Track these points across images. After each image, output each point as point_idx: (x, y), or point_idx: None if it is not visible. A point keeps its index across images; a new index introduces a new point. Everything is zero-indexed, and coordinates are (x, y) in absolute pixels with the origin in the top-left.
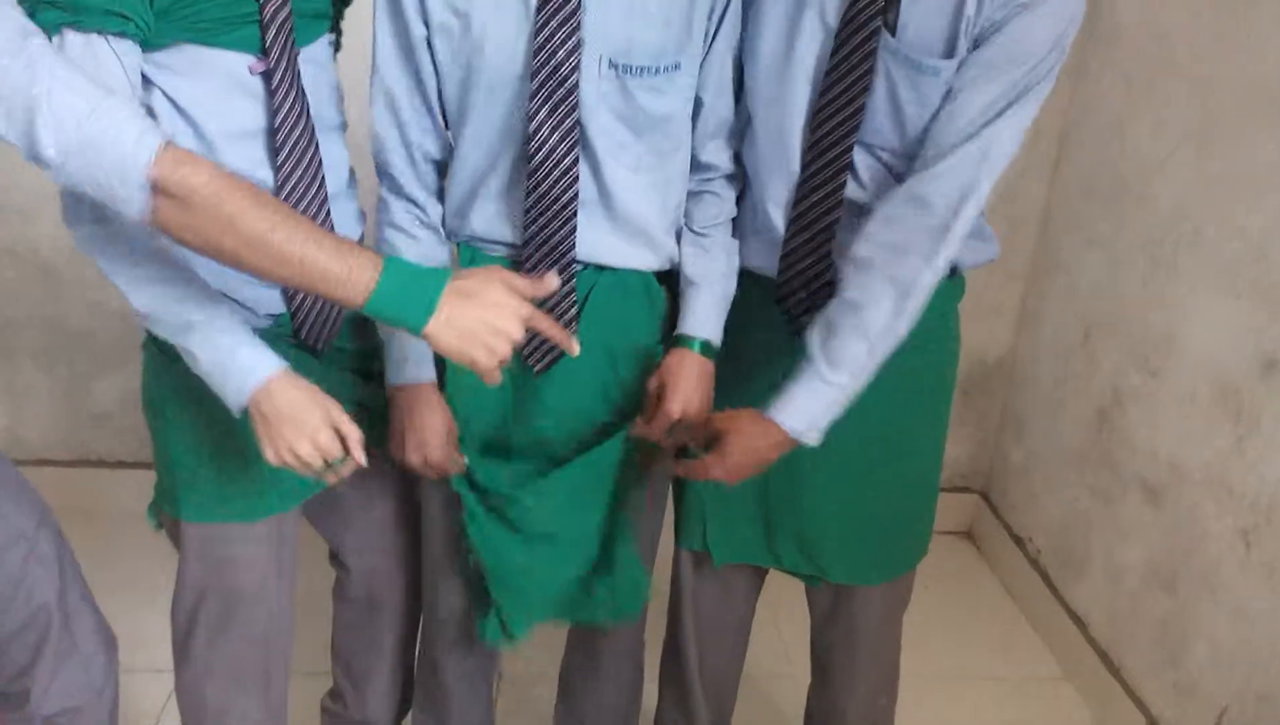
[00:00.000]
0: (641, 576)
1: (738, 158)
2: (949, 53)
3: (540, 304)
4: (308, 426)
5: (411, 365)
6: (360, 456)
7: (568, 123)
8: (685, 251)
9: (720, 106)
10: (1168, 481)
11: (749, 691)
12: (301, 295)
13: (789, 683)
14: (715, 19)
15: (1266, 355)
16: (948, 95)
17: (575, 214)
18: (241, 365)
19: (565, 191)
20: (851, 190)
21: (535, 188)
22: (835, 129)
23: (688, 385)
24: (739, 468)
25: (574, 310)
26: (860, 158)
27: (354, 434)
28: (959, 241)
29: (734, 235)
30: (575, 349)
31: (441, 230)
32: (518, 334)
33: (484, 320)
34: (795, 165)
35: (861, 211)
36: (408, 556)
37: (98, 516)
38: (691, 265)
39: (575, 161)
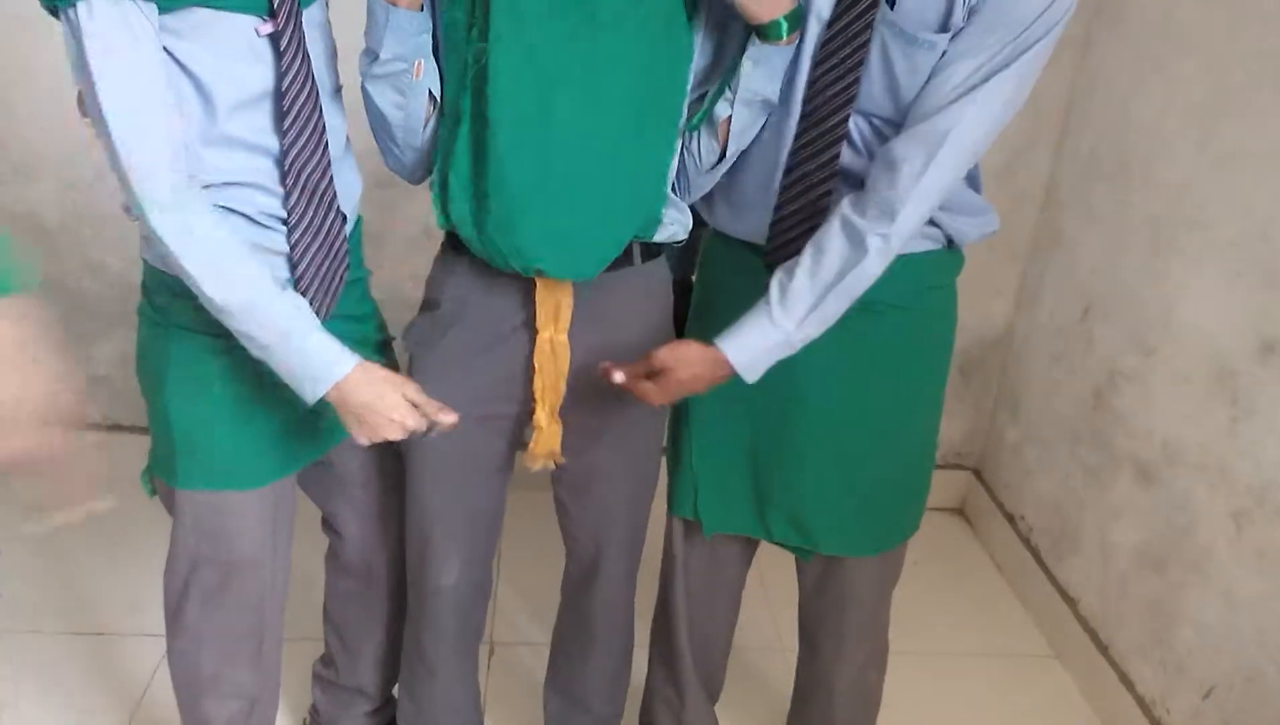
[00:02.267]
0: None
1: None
2: (943, 27)
3: None
4: (395, 412)
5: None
6: (448, 418)
7: None
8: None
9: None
10: (1161, 462)
11: (738, 665)
12: (306, 263)
13: (778, 656)
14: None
15: (1265, 338)
16: (939, 63)
17: None
18: (317, 360)
19: None
20: (847, 157)
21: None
22: (832, 99)
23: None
24: (679, 391)
25: None
26: (856, 125)
27: (432, 406)
28: (924, 205)
29: (721, 204)
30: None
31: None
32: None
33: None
34: (789, 134)
35: (856, 177)
36: (400, 525)
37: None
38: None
39: None
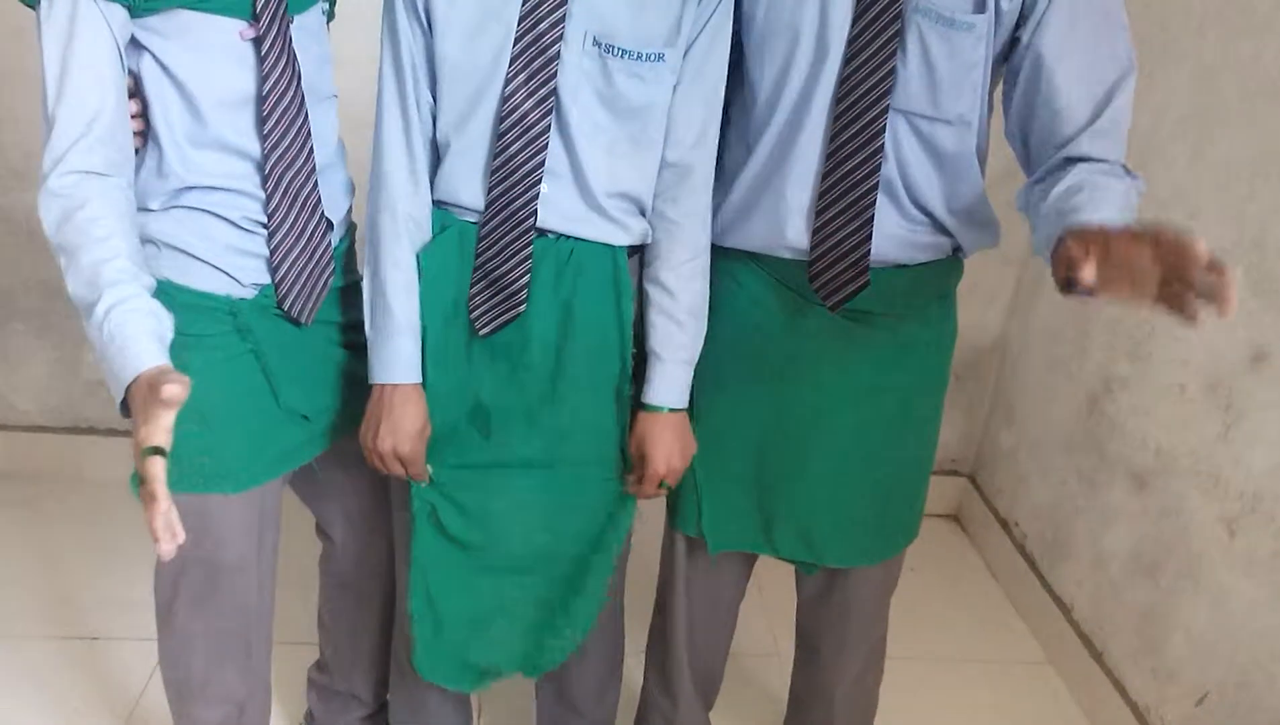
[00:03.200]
0: (598, 602)
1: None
2: (980, 6)
3: (492, 271)
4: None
5: (404, 368)
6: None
7: (543, 91)
8: (652, 316)
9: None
10: (1155, 469)
11: (734, 670)
12: (286, 267)
13: (774, 661)
14: (702, 23)
15: (1257, 346)
16: (1039, 73)
17: (539, 181)
18: (135, 350)
19: (531, 158)
20: (882, 169)
21: (503, 151)
22: (867, 94)
23: (666, 446)
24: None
25: (526, 278)
26: (893, 128)
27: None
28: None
29: (738, 217)
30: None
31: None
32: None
33: None
34: (820, 139)
35: (891, 186)
36: (392, 531)
37: (89, 484)
38: (657, 336)
39: (546, 130)
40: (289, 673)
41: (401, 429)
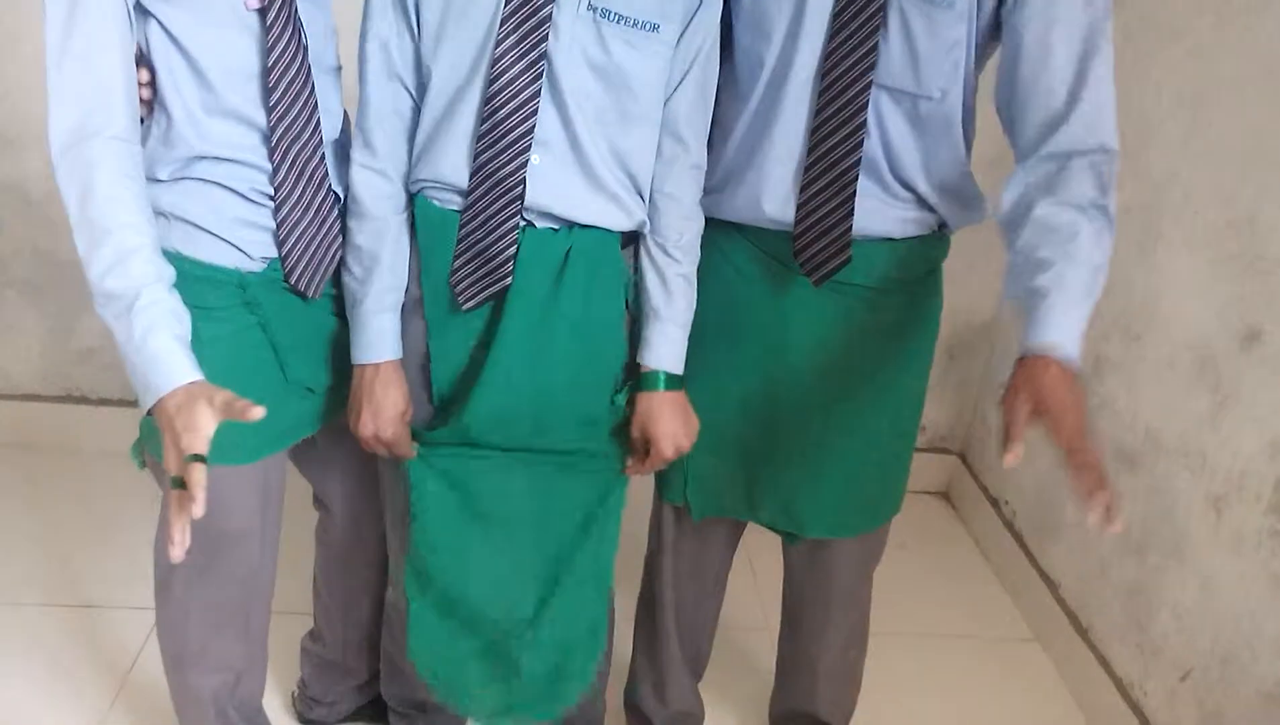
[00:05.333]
0: (601, 634)
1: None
2: None
3: (476, 243)
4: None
5: (378, 347)
6: (256, 413)
7: (533, 54)
8: (648, 279)
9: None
10: (1143, 448)
11: (724, 645)
12: (293, 241)
13: (764, 636)
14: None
15: (1248, 326)
16: (1018, 52)
17: (528, 148)
18: (170, 362)
19: (520, 124)
20: (866, 141)
21: (490, 117)
22: (850, 69)
23: (671, 427)
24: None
25: (513, 250)
26: (875, 104)
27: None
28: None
29: (729, 191)
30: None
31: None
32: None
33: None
34: (806, 113)
35: (874, 161)
36: None
37: (82, 453)
38: (658, 297)
39: (536, 95)
40: (282, 642)
41: (382, 414)
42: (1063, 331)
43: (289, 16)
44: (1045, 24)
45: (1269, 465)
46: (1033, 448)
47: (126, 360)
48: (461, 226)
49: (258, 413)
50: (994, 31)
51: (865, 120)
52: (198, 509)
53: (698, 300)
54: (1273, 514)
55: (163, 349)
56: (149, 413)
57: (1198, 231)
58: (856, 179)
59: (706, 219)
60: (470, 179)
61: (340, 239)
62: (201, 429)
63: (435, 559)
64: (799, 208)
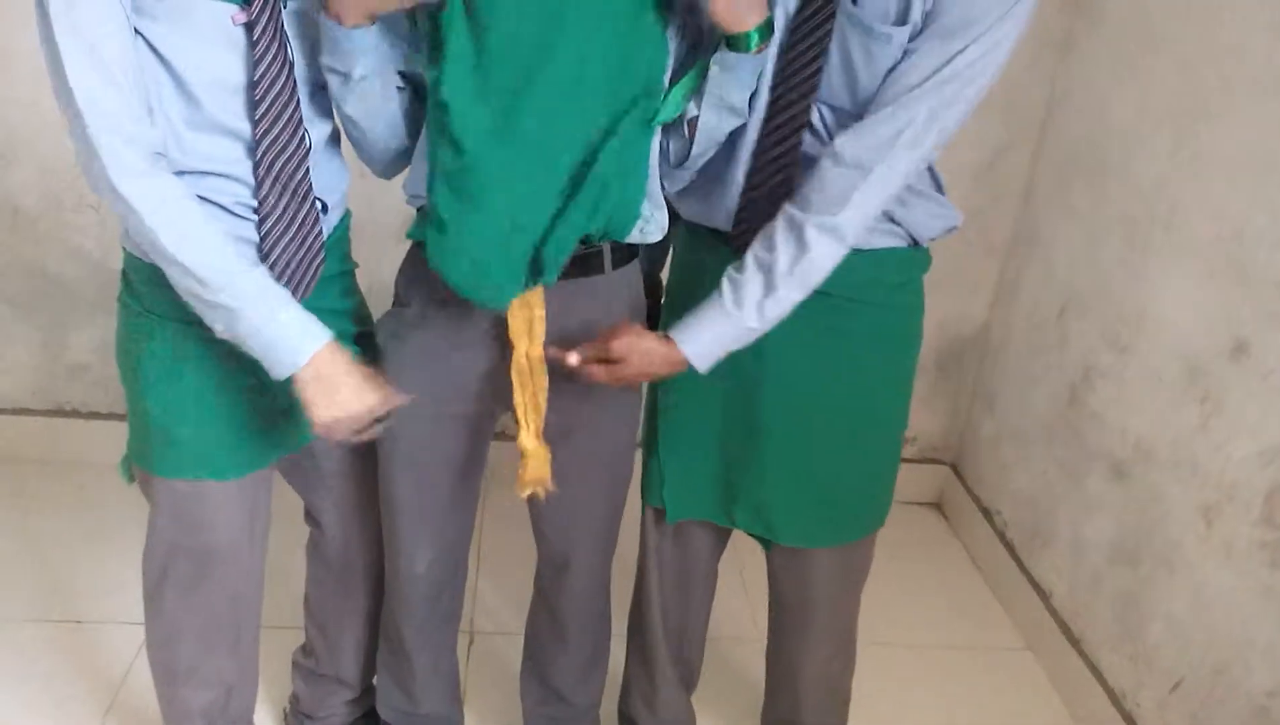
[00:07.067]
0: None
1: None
2: (902, 20)
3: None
4: (362, 389)
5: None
6: (400, 399)
7: None
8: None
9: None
10: (1134, 458)
11: (716, 656)
12: (276, 254)
13: (755, 647)
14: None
15: (1236, 336)
16: (901, 59)
17: None
18: (292, 331)
19: None
20: (808, 142)
21: None
22: (795, 88)
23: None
24: (630, 379)
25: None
26: (819, 113)
27: (395, 396)
28: (870, 202)
29: (690, 194)
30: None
31: None
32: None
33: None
34: (757, 121)
35: (814, 162)
36: (379, 517)
37: (72, 468)
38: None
39: None
40: (274, 657)
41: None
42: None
43: (275, 31)
44: (917, 47)
45: (1259, 475)
46: (1023, 458)
47: (253, 336)
48: None
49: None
50: None
51: (802, 137)
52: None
53: (677, 300)
54: (1263, 524)
55: (296, 318)
56: (292, 379)
57: (1186, 243)
58: (791, 191)
59: (691, 226)
60: None
61: (323, 252)
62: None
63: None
64: (738, 211)
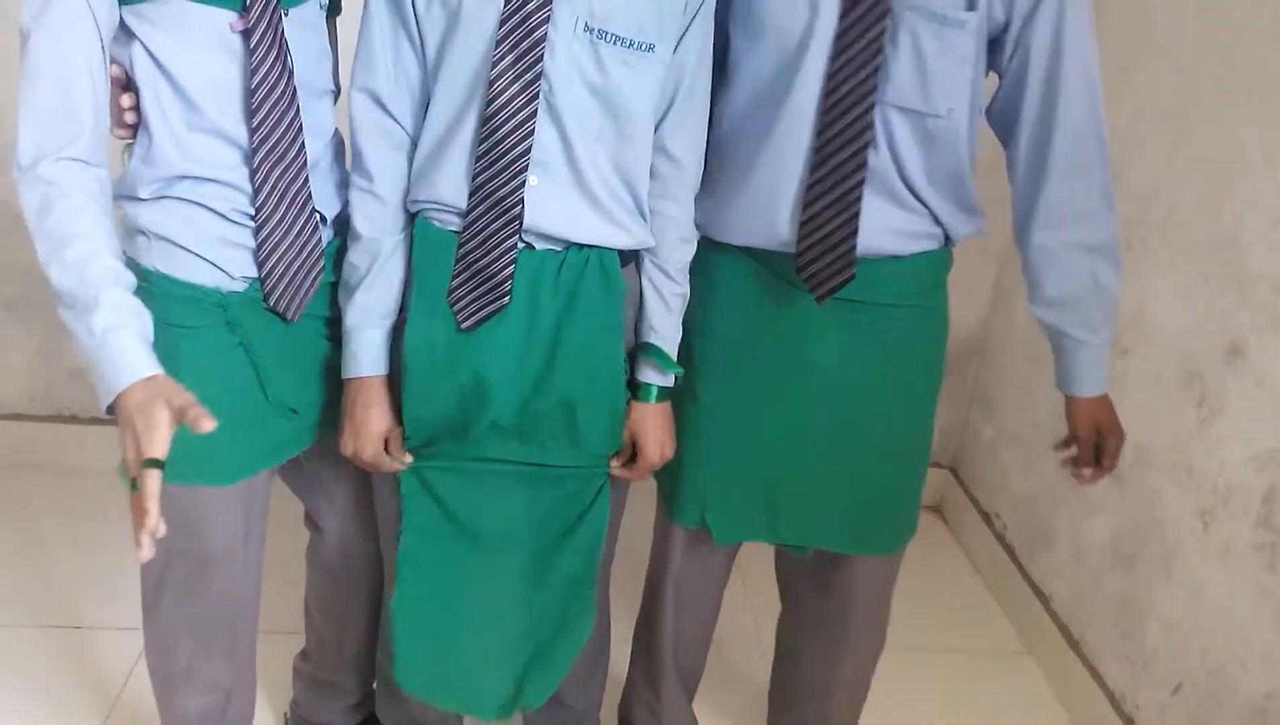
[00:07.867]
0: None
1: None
2: (972, 4)
3: (475, 263)
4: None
5: (363, 360)
6: (207, 425)
7: (529, 75)
8: (649, 300)
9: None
10: (1131, 462)
11: (717, 661)
12: (273, 262)
13: (757, 652)
14: (689, 17)
15: (1232, 340)
16: (1025, 67)
17: (525, 168)
18: (130, 357)
19: (517, 145)
20: (872, 156)
21: (488, 137)
22: (854, 90)
23: (658, 434)
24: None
25: (510, 270)
26: (883, 122)
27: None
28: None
29: (728, 211)
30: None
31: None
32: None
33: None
34: (808, 133)
35: (886, 178)
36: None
37: (71, 473)
38: (656, 316)
39: (533, 116)
40: (274, 662)
41: (362, 433)
42: (1091, 381)
43: (274, 39)
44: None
45: (1256, 478)
46: (1023, 461)
47: (87, 362)
48: (460, 246)
49: (208, 425)
50: (993, 48)
51: (869, 140)
52: (151, 520)
53: (708, 321)
54: (1260, 527)
55: (123, 344)
56: (109, 411)
57: (1183, 246)
58: (860, 197)
59: (707, 240)
60: (469, 200)
61: (322, 261)
62: (159, 428)
63: (419, 572)
64: (802, 225)
